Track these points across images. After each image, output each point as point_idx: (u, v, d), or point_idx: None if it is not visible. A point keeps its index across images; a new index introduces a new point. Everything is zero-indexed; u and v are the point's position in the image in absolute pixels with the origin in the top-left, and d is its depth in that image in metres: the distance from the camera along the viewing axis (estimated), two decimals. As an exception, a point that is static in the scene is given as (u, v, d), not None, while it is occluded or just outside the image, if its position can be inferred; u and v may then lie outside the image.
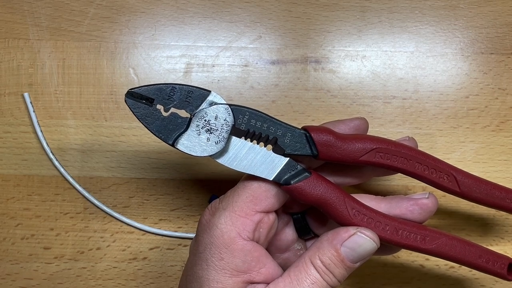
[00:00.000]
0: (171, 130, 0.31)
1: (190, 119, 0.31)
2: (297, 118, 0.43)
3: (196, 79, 0.44)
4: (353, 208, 0.32)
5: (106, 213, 0.43)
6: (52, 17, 0.44)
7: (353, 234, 0.31)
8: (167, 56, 0.44)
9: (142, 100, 0.31)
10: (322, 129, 0.33)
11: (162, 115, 0.31)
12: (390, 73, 0.44)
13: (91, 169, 0.43)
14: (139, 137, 0.43)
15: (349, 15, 0.44)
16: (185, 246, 0.43)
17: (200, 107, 0.31)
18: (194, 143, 0.31)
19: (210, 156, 0.31)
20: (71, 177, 0.43)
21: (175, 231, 0.43)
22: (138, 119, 0.31)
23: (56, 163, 0.43)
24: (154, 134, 0.31)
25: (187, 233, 0.43)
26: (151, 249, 0.43)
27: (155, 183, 0.43)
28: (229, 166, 0.32)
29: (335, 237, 0.31)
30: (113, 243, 0.43)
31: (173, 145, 0.31)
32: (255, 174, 0.32)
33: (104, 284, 0.43)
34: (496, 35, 0.44)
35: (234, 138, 0.32)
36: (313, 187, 0.32)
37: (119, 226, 0.43)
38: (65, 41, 0.44)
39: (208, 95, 0.31)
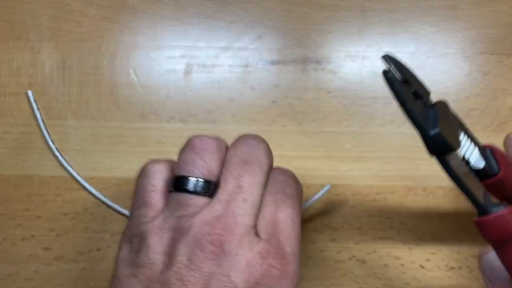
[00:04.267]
0: (429, 119, 0.27)
1: (435, 111, 0.27)
2: (297, 118, 0.43)
3: (196, 80, 0.44)
4: None
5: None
6: (53, 18, 0.44)
7: None
8: (168, 57, 0.44)
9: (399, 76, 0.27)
10: (501, 151, 0.31)
11: (419, 103, 0.27)
12: (390, 74, 0.44)
13: (91, 169, 0.43)
14: (139, 137, 0.43)
15: (349, 16, 0.44)
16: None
17: (430, 97, 0.28)
18: (448, 135, 0.27)
19: (453, 149, 0.27)
20: (78, 174, 0.42)
21: (175, 232, 0.43)
22: (399, 100, 0.26)
23: (63, 160, 0.42)
24: (413, 120, 0.27)
25: (187, 233, 0.43)
26: (151, 249, 0.43)
27: (155, 184, 0.43)
28: (450, 171, 0.28)
29: None
30: (113, 243, 0.43)
31: (436, 134, 0.27)
32: (469, 190, 0.28)
33: (104, 285, 0.42)
34: (497, 35, 0.44)
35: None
36: None
37: (119, 226, 0.43)
38: (65, 42, 0.44)
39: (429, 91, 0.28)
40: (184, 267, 0.29)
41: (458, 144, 0.28)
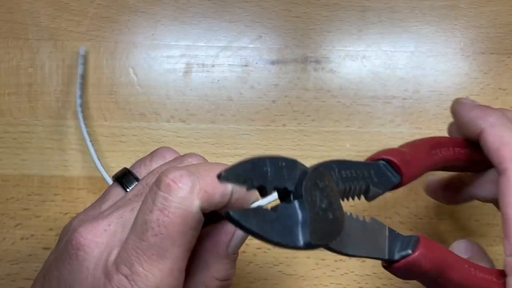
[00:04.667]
0: (291, 227, 0.22)
1: (301, 201, 0.23)
2: (297, 118, 0.43)
3: (196, 79, 0.44)
4: (469, 265, 0.28)
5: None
6: (52, 17, 0.44)
7: (235, 231, 0.27)
8: (167, 56, 0.44)
9: (239, 183, 0.22)
10: (393, 151, 0.29)
11: (274, 213, 0.22)
12: (390, 73, 0.44)
13: (91, 169, 0.43)
14: (139, 137, 0.43)
15: (349, 15, 0.44)
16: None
17: (297, 180, 0.23)
18: (324, 229, 0.23)
19: (338, 241, 0.24)
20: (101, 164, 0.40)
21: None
22: (255, 234, 0.21)
23: (90, 146, 0.41)
24: (279, 244, 0.22)
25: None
26: (151, 249, 0.43)
27: (155, 183, 0.43)
28: (351, 254, 0.25)
29: (218, 246, 0.27)
30: (113, 243, 0.43)
31: (309, 246, 0.23)
32: (371, 257, 0.26)
33: (103, 284, 0.42)
34: (497, 35, 0.44)
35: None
36: (432, 250, 0.26)
37: (119, 226, 0.43)
38: (64, 41, 0.44)
39: (296, 162, 0.24)
40: (49, 267, 0.26)
41: (340, 227, 0.24)
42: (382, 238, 0.26)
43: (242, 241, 0.28)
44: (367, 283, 0.42)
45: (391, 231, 0.27)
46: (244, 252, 0.42)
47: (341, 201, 0.25)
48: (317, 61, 0.44)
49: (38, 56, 0.44)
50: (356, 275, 0.42)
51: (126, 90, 0.44)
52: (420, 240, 0.26)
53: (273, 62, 0.44)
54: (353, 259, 0.42)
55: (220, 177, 0.21)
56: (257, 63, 0.44)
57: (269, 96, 0.44)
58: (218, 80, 0.44)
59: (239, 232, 0.27)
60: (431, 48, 0.44)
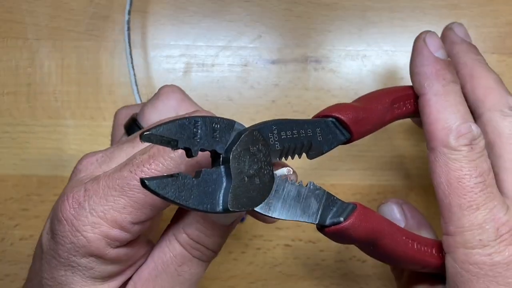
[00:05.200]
0: (213, 193, 0.23)
1: (227, 166, 0.23)
2: (297, 118, 0.43)
3: (196, 79, 0.44)
4: (406, 236, 0.29)
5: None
6: (51, 17, 0.44)
7: None
8: (167, 56, 0.44)
9: (163, 144, 0.22)
10: (343, 107, 0.28)
11: (195, 180, 0.23)
12: (390, 73, 0.44)
13: (90, 169, 0.43)
14: (139, 137, 0.43)
15: (349, 15, 0.44)
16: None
17: (229, 142, 0.24)
18: (248, 194, 0.24)
19: (265, 204, 0.24)
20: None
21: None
22: (172, 201, 0.22)
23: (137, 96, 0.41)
24: (198, 210, 0.23)
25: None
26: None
27: (154, 184, 0.43)
28: (277, 217, 0.25)
29: None
30: (112, 243, 0.43)
31: (226, 210, 0.23)
32: (298, 220, 0.26)
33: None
34: (498, 34, 0.44)
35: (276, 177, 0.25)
36: (366, 219, 0.27)
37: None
38: (64, 41, 0.44)
39: (234, 124, 0.24)
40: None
41: (268, 188, 0.24)
42: (317, 203, 0.26)
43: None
44: (367, 284, 0.42)
45: (329, 196, 0.27)
46: (244, 252, 0.42)
47: (283, 160, 0.26)
48: (317, 61, 0.44)
49: (37, 56, 0.44)
50: (357, 275, 0.42)
51: (126, 90, 0.43)
52: (356, 209, 0.27)
53: (273, 62, 0.44)
54: (353, 259, 0.42)
55: (141, 137, 0.21)
56: (257, 63, 0.44)
57: (269, 96, 0.44)
58: (218, 80, 0.44)
59: None
60: (432, 47, 0.44)
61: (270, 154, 0.25)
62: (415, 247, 0.29)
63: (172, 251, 0.26)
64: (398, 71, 0.44)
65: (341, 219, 0.26)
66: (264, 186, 0.24)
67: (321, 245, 0.42)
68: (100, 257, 0.25)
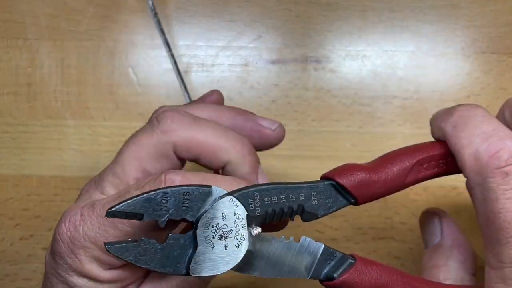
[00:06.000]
0: (178, 257, 0.24)
1: (194, 232, 0.24)
2: (297, 118, 0.43)
3: (196, 79, 0.44)
4: (416, 282, 0.27)
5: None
6: (51, 17, 0.44)
7: None
8: (167, 56, 0.44)
9: (128, 218, 0.24)
10: (347, 169, 0.26)
11: (158, 245, 0.24)
12: (390, 73, 0.44)
13: (90, 169, 0.43)
14: (139, 137, 0.43)
15: (349, 15, 0.44)
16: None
17: (203, 209, 0.24)
18: (213, 260, 0.24)
19: (237, 265, 0.25)
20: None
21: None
22: (133, 264, 0.24)
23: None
24: (161, 272, 0.24)
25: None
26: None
27: (154, 183, 0.43)
28: (260, 276, 0.26)
29: None
30: (112, 243, 0.43)
31: (188, 274, 0.24)
32: (286, 277, 0.26)
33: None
34: (497, 34, 0.44)
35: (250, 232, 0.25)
36: (364, 274, 0.26)
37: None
38: (64, 41, 0.44)
39: (208, 191, 0.24)
40: None
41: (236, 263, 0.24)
42: (310, 258, 0.26)
43: None
44: (367, 284, 0.42)
45: (327, 249, 0.26)
46: (244, 252, 0.42)
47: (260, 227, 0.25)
48: (317, 61, 0.44)
49: (37, 56, 0.44)
50: (357, 275, 0.42)
51: (125, 90, 0.43)
52: (354, 264, 0.26)
53: (273, 62, 0.44)
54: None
55: (107, 214, 0.23)
56: (257, 62, 0.44)
57: (269, 96, 0.44)
58: (218, 80, 0.44)
59: None
60: (432, 47, 0.44)
61: (246, 220, 0.25)
62: None
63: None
64: (398, 71, 0.44)
65: (335, 275, 0.26)
66: (233, 252, 0.24)
67: (321, 245, 0.42)
68: (94, 278, 0.26)
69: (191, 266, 0.24)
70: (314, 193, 0.26)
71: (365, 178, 0.26)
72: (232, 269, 0.25)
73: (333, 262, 0.26)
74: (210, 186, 0.24)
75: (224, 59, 0.44)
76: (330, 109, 0.43)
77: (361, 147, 0.43)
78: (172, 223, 0.25)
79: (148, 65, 0.44)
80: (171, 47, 0.43)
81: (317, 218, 0.26)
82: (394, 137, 0.43)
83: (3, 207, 0.43)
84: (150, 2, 0.42)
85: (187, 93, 0.42)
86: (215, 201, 0.24)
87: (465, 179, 0.26)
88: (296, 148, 0.43)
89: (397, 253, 0.42)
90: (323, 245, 0.26)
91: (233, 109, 0.32)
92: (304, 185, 0.26)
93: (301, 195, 0.26)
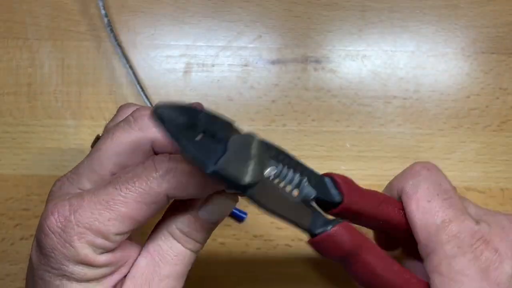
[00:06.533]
0: (210, 152, 0.25)
1: (226, 145, 0.26)
2: (297, 118, 0.43)
3: (196, 79, 0.44)
4: (385, 256, 0.30)
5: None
6: (51, 17, 0.44)
7: (211, 198, 0.28)
8: (167, 56, 0.44)
9: (169, 122, 0.25)
10: (345, 177, 0.31)
11: (195, 137, 0.25)
12: (390, 73, 0.44)
13: (90, 169, 0.43)
14: (139, 137, 0.43)
15: (349, 15, 0.44)
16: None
17: (229, 135, 0.26)
18: (233, 168, 0.26)
19: (251, 184, 0.26)
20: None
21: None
22: (171, 137, 0.24)
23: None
24: (189, 156, 0.25)
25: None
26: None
27: (154, 183, 0.43)
28: (260, 205, 0.27)
29: (192, 202, 0.29)
30: (112, 243, 0.43)
31: (213, 171, 0.25)
32: (288, 218, 0.28)
33: (103, 284, 0.42)
34: (497, 34, 0.44)
35: (264, 174, 0.27)
36: (349, 233, 0.29)
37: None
38: (64, 41, 0.44)
39: (233, 122, 0.27)
40: None
41: (254, 178, 0.26)
42: (307, 213, 0.29)
43: (216, 212, 0.29)
44: (367, 284, 0.42)
45: (317, 212, 0.29)
46: (244, 252, 0.42)
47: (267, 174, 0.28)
48: (317, 61, 0.44)
49: (37, 56, 0.44)
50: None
51: (126, 90, 0.44)
52: (342, 222, 0.29)
53: (273, 62, 0.44)
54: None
55: (154, 113, 0.24)
56: (257, 63, 0.44)
57: (269, 96, 0.44)
58: (218, 80, 0.44)
59: (215, 200, 0.28)
60: (432, 47, 0.44)
61: (263, 159, 0.27)
62: (395, 268, 0.30)
63: (167, 244, 0.29)
64: (398, 71, 0.44)
65: (329, 227, 0.28)
66: (254, 172, 0.26)
67: (321, 245, 0.42)
68: (90, 264, 0.27)
69: (219, 161, 0.25)
70: (313, 178, 0.30)
71: (355, 186, 0.31)
72: (247, 185, 0.26)
73: (322, 222, 0.29)
74: (233, 120, 0.27)
75: (224, 59, 0.44)
76: (330, 109, 0.43)
77: (361, 147, 0.43)
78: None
79: (148, 65, 0.44)
80: (123, 50, 0.43)
81: (309, 198, 0.29)
82: (394, 137, 0.43)
83: (3, 207, 0.43)
84: (101, 3, 0.42)
85: (146, 97, 0.42)
86: (239, 132, 0.27)
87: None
88: (296, 148, 0.43)
89: (397, 253, 0.42)
90: (316, 206, 0.30)
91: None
92: (309, 168, 0.29)
93: (304, 172, 0.29)
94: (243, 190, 0.26)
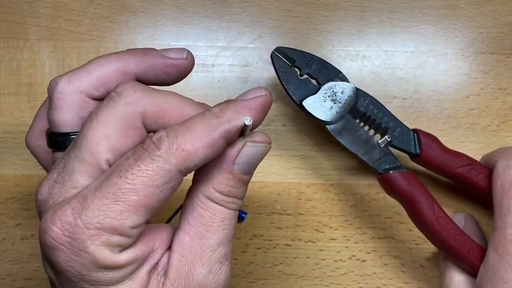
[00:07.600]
0: (302, 91, 0.36)
1: (320, 87, 0.37)
2: (297, 118, 0.43)
3: (196, 79, 0.44)
4: (439, 213, 0.35)
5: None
6: (52, 17, 0.44)
7: (242, 148, 0.26)
8: (167, 56, 0.44)
9: (285, 59, 0.36)
10: (430, 134, 0.37)
11: (298, 77, 0.37)
12: (390, 73, 0.44)
13: (91, 169, 0.43)
14: (139, 137, 0.43)
15: (349, 15, 0.44)
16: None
17: (331, 80, 0.37)
18: (318, 106, 0.36)
19: (326, 122, 0.36)
20: None
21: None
22: (277, 73, 0.36)
23: None
24: (287, 91, 0.36)
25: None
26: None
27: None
28: (335, 136, 0.36)
29: (224, 159, 0.26)
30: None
31: (300, 103, 0.36)
32: (355, 153, 0.37)
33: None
34: (497, 35, 0.44)
35: (350, 116, 0.37)
36: (409, 181, 0.35)
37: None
38: (64, 41, 0.44)
39: (340, 73, 0.37)
40: None
41: (331, 118, 0.36)
42: (380, 154, 0.37)
43: (251, 161, 0.27)
44: (367, 283, 0.42)
45: (391, 155, 0.37)
46: (244, 252, 0.42)
47: (354, 117, 0.37)
48: (317, 61, 0.44)
49: (38, 56, 0.44)
50: (356, 275, 0.42)
51: (126, 90, 0.44)
52: (406, 171, 0.36)
53: (273, 62, 0.44)
54: (353, 259, 0.42)
55: (273, 51, 0.37)
56: (257, 63, 0.44)
57: (269, 96, 0.44)
58: (218, 80, 0.44)
59: (247, 150, 0.27)
60: (431, 48, 0.44)
61: (353, 104, 0.37)
62: (442, 222, 0.35)
63: (209, 211, 0.26)
64: (398, 71, 0.44)
65: (391, 171, 0.36)
66: (333, 113, 0.37)
67: (321, 245, 0.42)
68: (112, 266, 0.24)
69: (304, 99, 0.36)
70: (399, 129, 0.37)
71: (436, 146, 0.37)
72: (323, 120, 0.37)
73: (392, 165, 0.36)
74: (340, 71, 0.38)
75: (224, 59, 0.44)
76: (330, 109, 0.43)
77: (361, 147, 0.43)
78: None
79: (148, 65, 0.44)
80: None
81: (390, 144, 0.37)
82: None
83: (4, 206, 0.43)
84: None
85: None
86: (342, 81, 0.37)
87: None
88: (296, 148, 0.43)
89: (396, 253, 0.42)
90: (391, 151, 0.37)
91: (134, 52, 0.29)
92: (397, 119, 0.37)
93: (391, 122, 0.37)
94: (323, 123, 0.36)
